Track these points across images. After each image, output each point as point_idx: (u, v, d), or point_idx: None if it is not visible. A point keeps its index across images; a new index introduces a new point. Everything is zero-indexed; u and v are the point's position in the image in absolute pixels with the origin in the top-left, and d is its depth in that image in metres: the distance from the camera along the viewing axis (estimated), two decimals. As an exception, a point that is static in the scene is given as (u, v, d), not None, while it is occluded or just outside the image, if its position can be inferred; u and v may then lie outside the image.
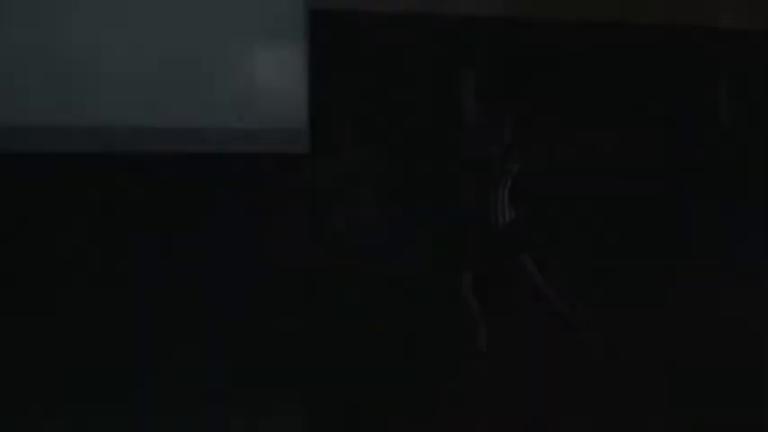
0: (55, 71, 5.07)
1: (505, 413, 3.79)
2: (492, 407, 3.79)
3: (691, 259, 5.84)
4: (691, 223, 6.02)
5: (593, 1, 5.88)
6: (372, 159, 5.57)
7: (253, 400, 3.91)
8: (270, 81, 5.40)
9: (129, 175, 5.17)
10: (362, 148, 5.52)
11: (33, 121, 5.05)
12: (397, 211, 5.53)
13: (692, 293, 5.36)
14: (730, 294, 5.29)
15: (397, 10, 5.59)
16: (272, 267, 5.30)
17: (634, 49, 5.99)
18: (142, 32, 5.13)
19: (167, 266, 5.16)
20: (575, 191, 5.75)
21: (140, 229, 5.18)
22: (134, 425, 3.67)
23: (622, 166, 5.77)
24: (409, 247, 5.47)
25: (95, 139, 5.10)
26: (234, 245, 5.30)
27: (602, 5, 5.86)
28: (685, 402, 3.84)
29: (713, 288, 5.41)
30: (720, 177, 6.09)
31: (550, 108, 5.71)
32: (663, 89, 6.05)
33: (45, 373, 4.14)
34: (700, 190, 6.08)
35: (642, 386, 3.97)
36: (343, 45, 5.47)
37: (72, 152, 5.09)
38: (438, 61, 5.63)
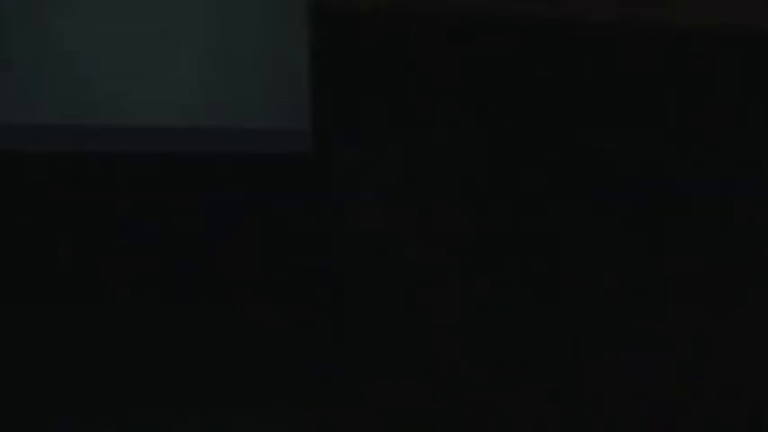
0: (54, 69, 5.10)
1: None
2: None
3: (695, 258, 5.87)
4: (695, 222, 6.04)
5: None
6: (376, 159, 5.58)
7: (260, 403, 3.94)
8: (272, 79, 5.42)
9: (128, 175, 5.20)
10: (366, 148, 5.53)
11: (33, 120, 5.08)
12: (400, 211, 5.55)
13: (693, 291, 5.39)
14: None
15: (404, 8, 5.59)
16: (274, 268, 5.33)
17: (640, 50, 6.02)
18: (140, 30, 5.15)
19: (167, 267, 5.19)
20: (579, 191, 5.78)
21: (140, 228, 5.21)
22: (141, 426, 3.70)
23: (628, 167, 5.80)
24: (411, 248, 5.49)
25: (95, 139, 5.13)
26: (234, 245, 5.32)
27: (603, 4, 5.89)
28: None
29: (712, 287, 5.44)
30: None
31: (554, 108, 5.74)
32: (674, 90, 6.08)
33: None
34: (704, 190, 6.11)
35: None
36: (347, 43, 5.49)
37: (71, 152, 5.13)
38: (444, 59, 5.65)
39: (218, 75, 5.29)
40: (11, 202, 4.97)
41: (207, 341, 4.57)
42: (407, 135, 5.42)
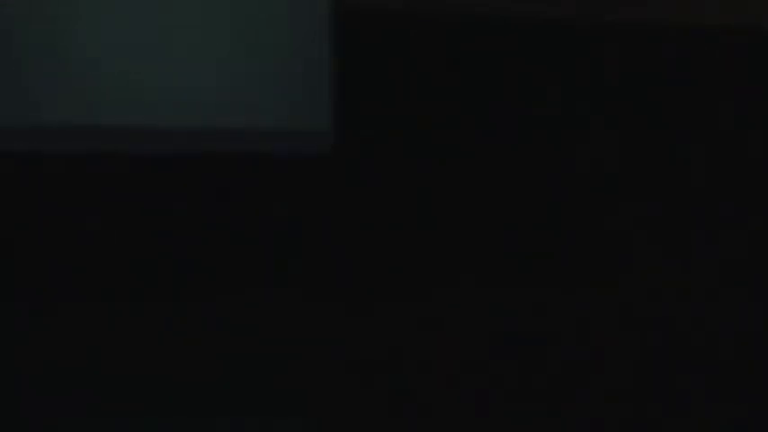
0: (55, 69, 5.11)
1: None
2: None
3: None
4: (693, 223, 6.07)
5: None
6: (397, 162, 5.59)
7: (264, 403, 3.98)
8: (292, 80, 5.42)
9: (128, 175, 5.21)
10: (386, 151, 5.54)
11: (32, 121, 5.09)
12: (417, 215, 5.56)
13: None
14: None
15: (427, 9, 5.61)
16: (282, 271, 5.34)
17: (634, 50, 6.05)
18: (148, 29, 5.17)
19: (167, 267, 5.20)
20: (580, 191, 5.80)
21: (140, 229, 5.22)
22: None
23: (628, 167, 5.82)
24: (426, 254, 5.50)
25: (95, 139, 5.14)
26: (240, 248, 5.33)
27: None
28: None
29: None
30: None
31: (554, 108, 5.76)
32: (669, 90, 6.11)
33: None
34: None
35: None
36: (369, 44, 5.49)
37: (71, 152, 5.15)
38: (467, 62, 5.66)
39: (234, 74, 5.29)
40: (10, 203, 4.99)
41: (208, 340, 4.58)
42: (408, 135, 5.44)
